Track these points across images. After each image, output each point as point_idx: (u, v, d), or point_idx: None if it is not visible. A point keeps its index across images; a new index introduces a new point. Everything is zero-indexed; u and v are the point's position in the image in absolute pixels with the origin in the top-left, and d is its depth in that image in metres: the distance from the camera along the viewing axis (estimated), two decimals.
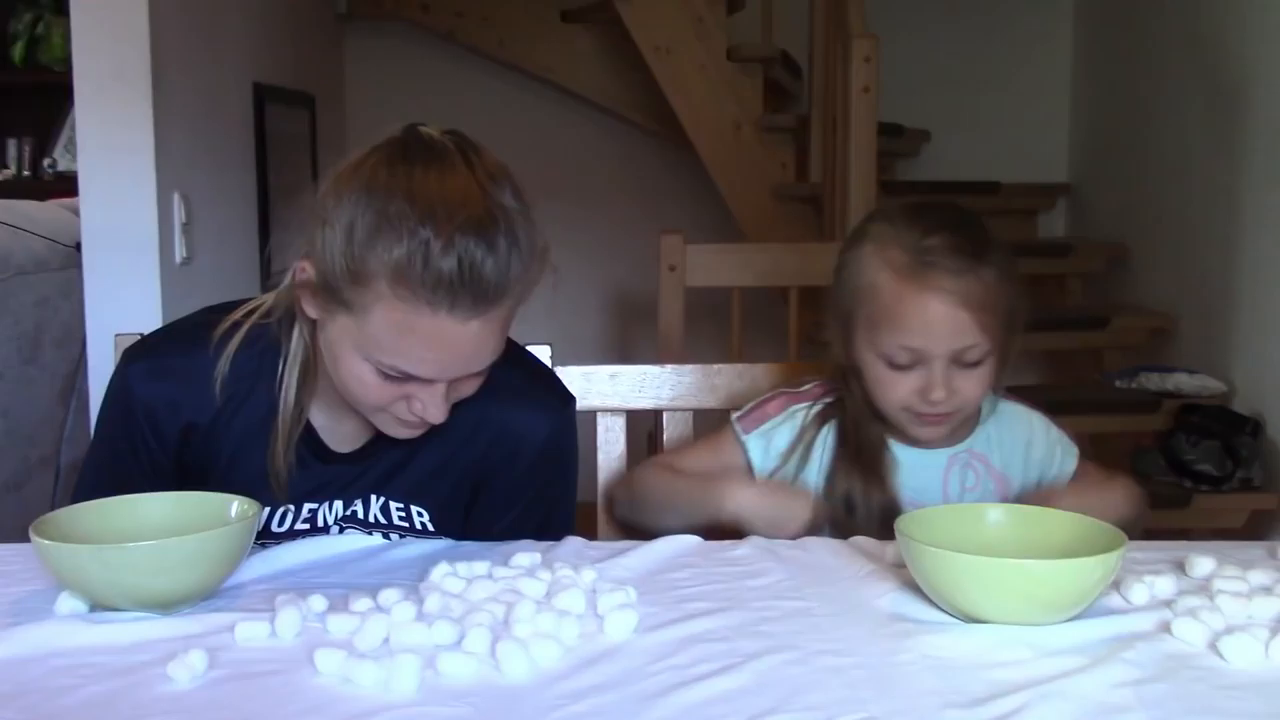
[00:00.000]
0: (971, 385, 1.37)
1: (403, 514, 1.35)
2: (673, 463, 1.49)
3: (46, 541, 1.06)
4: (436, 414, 1.20)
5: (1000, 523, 1.17)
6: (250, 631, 1.02)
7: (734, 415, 1.49)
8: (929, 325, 1.33)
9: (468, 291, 1.12)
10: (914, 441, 1.43)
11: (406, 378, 1.17)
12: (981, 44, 4.26)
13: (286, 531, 1.34)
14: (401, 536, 1.35)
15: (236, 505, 1.21)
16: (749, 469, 1.45)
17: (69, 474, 2.62)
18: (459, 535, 1.35)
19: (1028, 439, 1.48)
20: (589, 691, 0.92)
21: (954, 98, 4.22)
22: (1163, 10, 3.55)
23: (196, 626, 1.04)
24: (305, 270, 1.20)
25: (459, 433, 1.31)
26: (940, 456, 1.45)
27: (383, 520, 1.35)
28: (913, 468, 1.44)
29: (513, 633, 1.00)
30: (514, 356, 1.31)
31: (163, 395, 1.30)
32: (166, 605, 1.07)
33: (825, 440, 1.45)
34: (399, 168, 1.14)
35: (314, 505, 1.34)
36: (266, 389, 1.29)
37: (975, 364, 1.36)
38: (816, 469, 1.44)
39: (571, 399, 1.41)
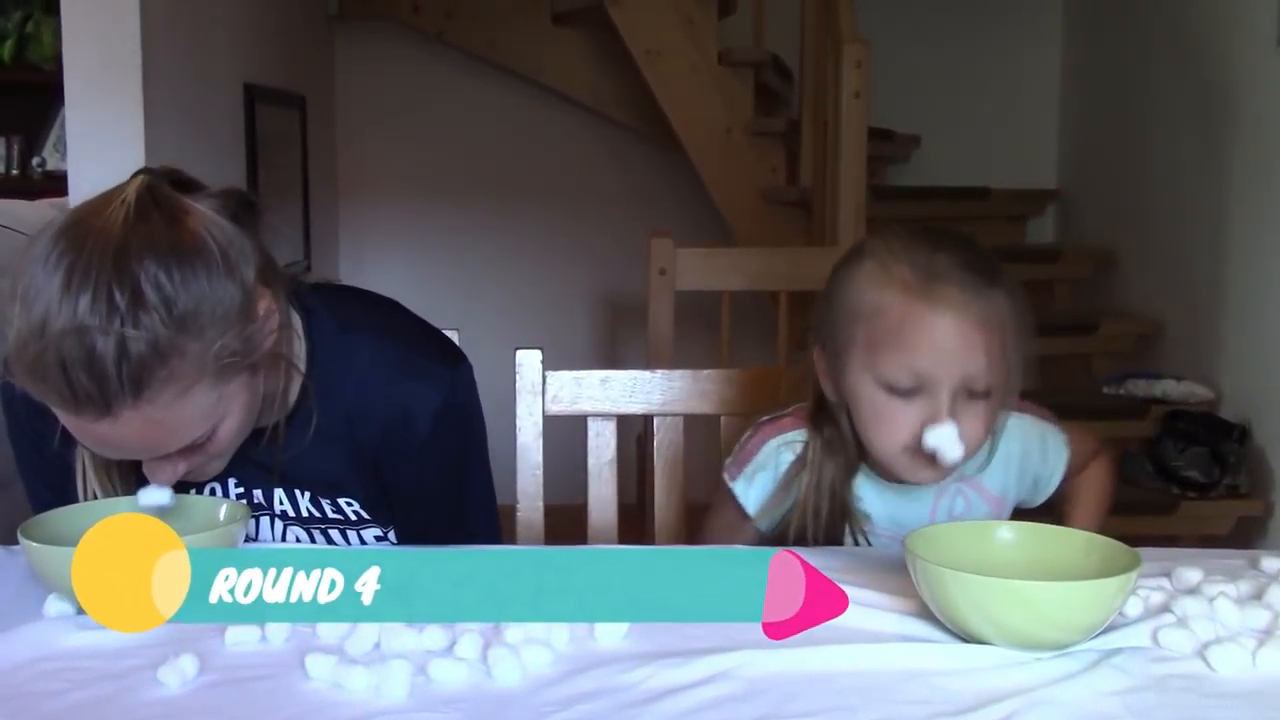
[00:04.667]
0: (975, 424, 1.26)
1: (334, 508, 1.36)
2: (705, 542, 1.45)
3: (36, 544, 1.06)
4: None
5: (1010, 541, 1.14)
6: (241, 636, 1.01)
7: (726, 461, 1.42)
8: (938, 345, 1.23)
9: None
10: (904, 480, 1.33)
11: None
12: (972, 50, 4.28)
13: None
14: (343, 531, 1.36)
15: (226, 508, 1.21)
16: (745, 514, 1.40)
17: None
18: (392, 518, 1.38)
19: (1023, 451, 1.41)
20: (580, 698, 0.92)
21: (944, 103, 4.24)
22: (1151, 17, 3.57)
23: (186, 630, 1.03)
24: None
25: (359, 417, 1.32)
26: (926, 491, 1.37)
27: (317, 514, 1.36)
28: (896, 503, 1.37)
29: (504, 638, 1.00)
30: (393, 331, 1.35)
31: None
32: None
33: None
34: None
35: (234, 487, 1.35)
36: None
37: (982, 395, 1.25)
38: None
39: (457, 363, 1.38)
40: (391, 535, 1.39)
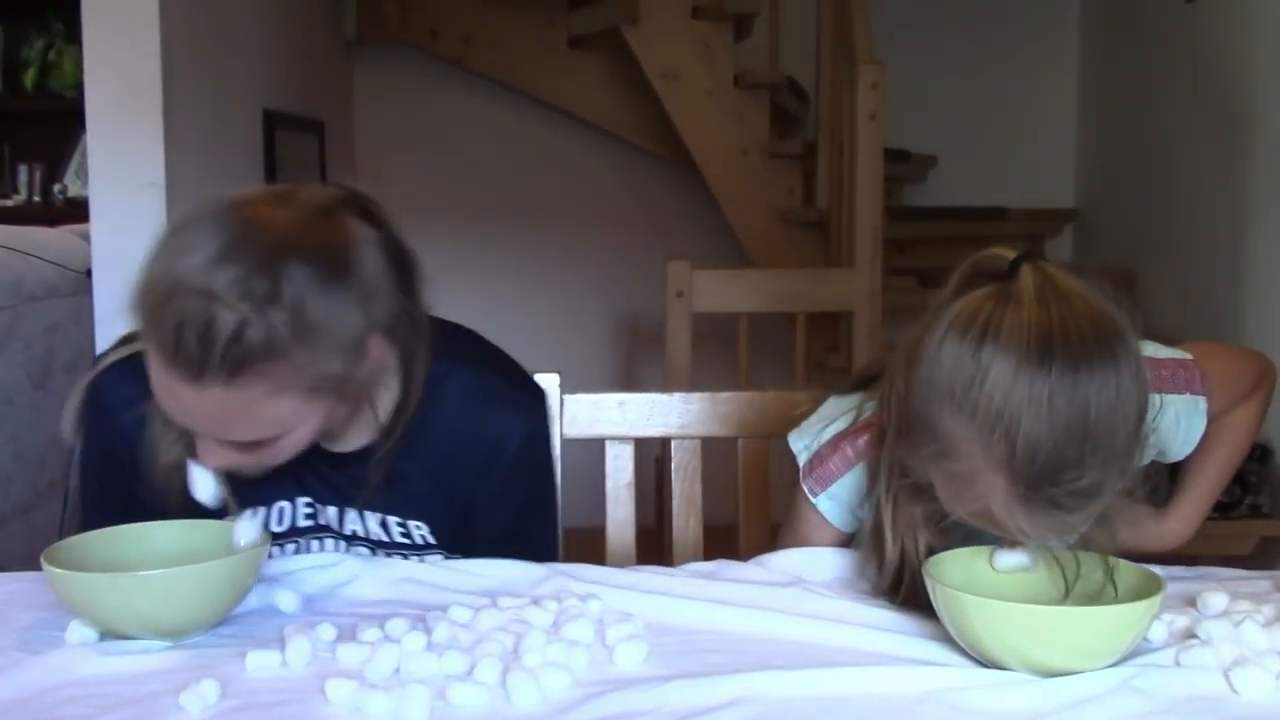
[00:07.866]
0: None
1: (403, 531, 1.36)
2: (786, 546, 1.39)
3: (60, 570, 1.07)
4: None
5: (1032, 566, 1.13)
6: (261, 661, 1.02)
7: (801, 467, 1.34)
8: (1029, 534, 1.06)
9: None
10: None
11: None
12: (988, 70, 4.28)
13: (288, 530, 1.36)
14: (405, 556, 1.35)
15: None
16: (828, 524, 1.35)
17: (76, 499, 2.63)
18: (457, 546, 1.37)
19: (1160, 437, 1.27)
20: None
21: (961, 123, 4.24)
22: (1168, 36, 3.57)
23: (208, 656, 1.04)
24: None
25: (448, 443, 1.33)
26: None
27: (384, 538, 1.36)
28: None
29: (523, 663, 1.00)
30: (485, 357, 1.38)
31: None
32: (178, 633, 1.08)
33: None
34: None
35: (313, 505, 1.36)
36: None
37: None
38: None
39: (543, 393, 1.46)
40: None
